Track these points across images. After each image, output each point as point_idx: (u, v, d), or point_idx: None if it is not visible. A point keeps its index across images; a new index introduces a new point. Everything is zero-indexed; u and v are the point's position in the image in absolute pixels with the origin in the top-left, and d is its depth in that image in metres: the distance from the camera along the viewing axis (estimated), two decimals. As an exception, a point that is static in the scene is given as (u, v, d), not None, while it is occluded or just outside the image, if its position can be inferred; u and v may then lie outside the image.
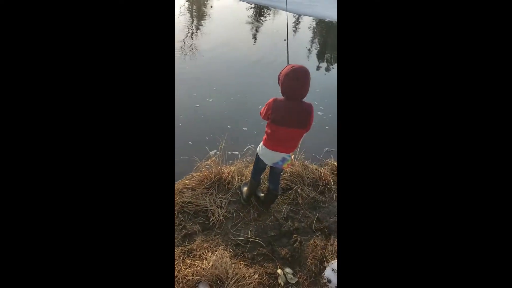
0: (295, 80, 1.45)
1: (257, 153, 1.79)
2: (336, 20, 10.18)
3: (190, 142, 2.80)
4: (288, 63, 1.65)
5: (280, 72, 1.54)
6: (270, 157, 1.70)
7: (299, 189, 2.22)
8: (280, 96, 1.56)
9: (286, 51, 1.88)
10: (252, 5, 9.98)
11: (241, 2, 10.02)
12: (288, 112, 1.53)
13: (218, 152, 2.37)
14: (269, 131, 1.62)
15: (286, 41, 1.99)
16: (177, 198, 1.96)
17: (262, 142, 1.71)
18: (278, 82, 1.56)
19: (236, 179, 2.16)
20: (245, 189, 2.05)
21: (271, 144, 1.65)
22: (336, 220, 2.08)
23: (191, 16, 7.72)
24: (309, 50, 7.07)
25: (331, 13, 10.85)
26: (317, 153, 3.09)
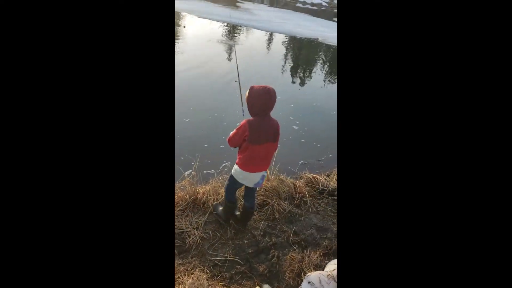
0: (268, 97, 1.56)
1: (231, 177, 1.80)
2: (306, 36, 10.62)
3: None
4: (242, 104, 1.80)
5: (247, 97, 1.59)
6: (251, 179, 1.73)
7: (275, 204, 2.26)
8: (249, 118, 1.61)
9: (239, 88, 2.00)
10: (225, 24, 10.23)
11: (214, 22, 10.26)
12: (265, 128, 1.61)
13: (193, 172, 2.37)
14: (246, 153, 1.64)
15: (237, 82, 2.08)
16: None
17: (238, 167, 1.71)
18: (248, 107, 1.60)
19: (212, 199, 2.16)
20: (220, 208, 2.05)
21: (250, 166, 1.68)
22: (312, 232, 2.13)
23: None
24: (282, 66, 7.30)
25: (301, 30, 11.32)
26: (292, 166, 3.16)
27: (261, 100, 1.55)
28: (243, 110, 1.87)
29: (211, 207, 2.08)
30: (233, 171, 1.78)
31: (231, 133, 1.65)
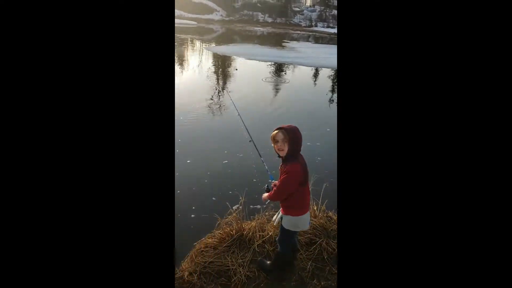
0: (300, 133, 1.59)
1: (285, 230, 1.70)
2: (354, 68, 10.55)
3: (214, 198, 2.89)
4: (263, 161, 1.98)
5: (290, 139, 1.55)
6: (305, 220, 1.67)
7: (323, 243, 2.14)
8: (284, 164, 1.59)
9: (255, 147, 2.15)
10: (272, 63, 10.79)
11: (261, 62, 10.90)
12: (306, 165, 1.60)
13: (240, 207, 2.40)
14: (297, 198, 1.60)
15: (251, 142, 2.22)
16: (198, 258, 1.98)
17: (291, 217, 1.64)
18: (292, 148, 1.56)
19: (258, 235, 2.14)
20: (268, 263, 1.92)
21: (303, 209, 1.64)
22: (366, 277, 1.93)
23: (217, 77, 8.51)
24: (330, 99, 7.29)
25: (348, 62, 11.31)
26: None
27: (300, 137, 1.58)
28: (265, 166, 1.97)
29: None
30: (285, 225, 1.68)
31: (279, 185, 1.58)
